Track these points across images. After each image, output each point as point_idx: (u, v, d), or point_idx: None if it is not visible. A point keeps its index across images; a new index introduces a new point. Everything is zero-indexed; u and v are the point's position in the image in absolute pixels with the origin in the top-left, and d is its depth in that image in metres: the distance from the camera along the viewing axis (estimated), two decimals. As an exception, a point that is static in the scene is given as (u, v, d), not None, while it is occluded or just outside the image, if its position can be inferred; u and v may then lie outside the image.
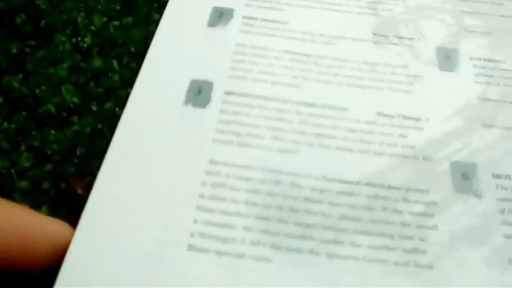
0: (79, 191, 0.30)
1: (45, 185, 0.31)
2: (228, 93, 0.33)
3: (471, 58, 0.37)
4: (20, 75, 0.36)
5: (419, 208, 0.30)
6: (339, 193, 0.30)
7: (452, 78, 0.36)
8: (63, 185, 0.31)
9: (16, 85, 0.35)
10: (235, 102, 0.33)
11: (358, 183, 0.30)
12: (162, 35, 0.37)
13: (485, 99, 0.35)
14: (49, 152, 0.32)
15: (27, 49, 0.38)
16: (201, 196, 0.29)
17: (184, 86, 0.34)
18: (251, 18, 0.38)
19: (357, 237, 0.28)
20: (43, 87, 0.35)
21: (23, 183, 0.31)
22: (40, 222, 0.26)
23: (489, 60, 0.37)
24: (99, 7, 0.40)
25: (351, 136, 0.32)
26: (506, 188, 0.31)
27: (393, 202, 0.30)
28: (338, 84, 0.35)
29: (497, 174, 0.31)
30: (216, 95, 0.33)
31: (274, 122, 0.32)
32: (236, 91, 0.34)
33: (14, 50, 0.37)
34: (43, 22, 0.39)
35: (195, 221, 0.28)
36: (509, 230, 0.29)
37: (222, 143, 0.31)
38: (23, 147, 0.32)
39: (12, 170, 0.32)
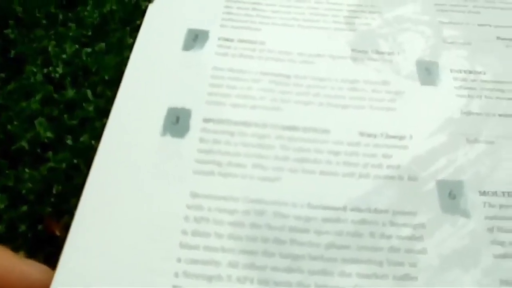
0: (57, 233, 0.29)
1: (22, 227, 0.30)
2: (207, 120, 0.33)
3: (451, 71, 0.37)
4: (-9, 110, 0.35)
5: (407, 231, 0.29)
6: (325, 220, 0.29)
7: (433, 92, 0.35)
8: (40, 226, 0.30)
9: (-14, 121, 0.34)
10: (214, 130, 0.32)
11: (344, 208, 0.30)
12: (136, 61, 0.36)
13: (468, 113, 0.34)
14: (24, 191, 0.31)
15: (-3, 82, 0.36)
16: (184, 232, 0.28)
17: (162, 115, 0.33)
18: (227, 39, 0.37)
19: (346, 266, 0.27)
20: (15, 122, 0.34)
21: (-1, 227, 0.30)
22: (16, 264, 0.25)
23: (470, 72, 0.37)
24: (70, 33, 0.39)
25: (334, 159, 0.32)
26: (494, 206, 0.30)
27: (381, 226, 0.29)
28: (319, 105, 0.34)
29: (484, 191, 0.31)
30: (195, 123, 0.33)
31: (255, 149, 0.32)
32: (215, 118, 0.33)
33: (-16, 84, 0.36)
34: (12, 52, 0.38)
35: (178, 260, 0.27)
36: (498, 249, 0.29)
37: (203, 174, 0.30)
38: (-4, 188, 0.31)
39: (-14, 213, 0.30)
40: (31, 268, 0.25)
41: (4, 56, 0.38)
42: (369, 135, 0.33)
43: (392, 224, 0.29)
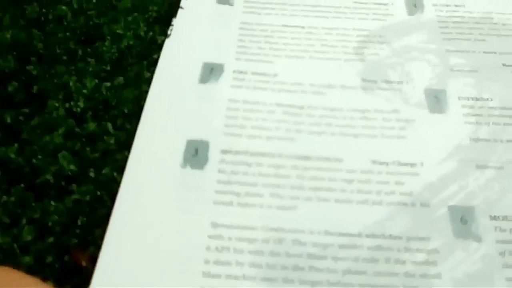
0: (83, 263, 0.30)
1: (49, 259, 0.31)
2: (225, 151, 0.34)
3: (459, 98, 0.38)
4: (16, 145, 0.36)
5: (421, 257, 0.30)
6: (342, 246, 0.30)
7: (442, 120, 0.36)
8: (66, 257, 0.31)
9: (12, 155, 0.35)
10: (232, 161, 0.33)
11: (359, 235, 0.31)
12: (155, 95, 0.37)
13: (476, 139, 0.36)
14: (50, 223, 0.32)
15: (21, 117, 0.38)
16: (206, 261, 0.29)
17: (181, 147, 0.34)
18: (241, 72, 0.39)
19: (363, 292, 0.28)
20: (39, 156, 0.35)
21: (27, 258, 0.31)
22: None
23: (477, 99, 0.38)
24: (90, 69, 0.41)
25: (348, 187, 0.33)
26: (505, 230, 0.31)
27: (396, 252, 0.30)
28: (331, 134, 0.35)
29: (495, 216, 0.32)
30: (213, 154, 0.34)
31: (271, 178, 0.33)
32: (232, 149, 0.34)
33: (8, 119, 0.38)
34: (35, 88, 0.40)
35: (201, 288, 0.28)
36: (510, 272, 0.30)
37: (223, 204, 0.31)
38: (24, 221, 0.33)
39: (15, 245, 0.31)
40: None
41: (27, 92, 0.39)
42: (381, 163, 0.34)
43: (407, 249, 0.30)
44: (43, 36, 0.43)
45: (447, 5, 0.45)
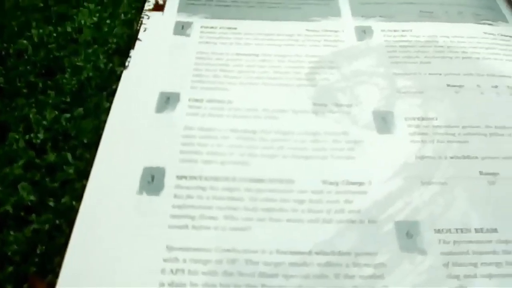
0: (42, 291, 0.31)
1: (8, 287, 0.32)
2: (180, 177, 0.35)
3: (405, 119, 0.40)
4: (-24, 177, 0.37)
5: (369, 271, 0.31)
6: (292, 264, 0.31)
7: (389, 140, 0.38)
8: (25, 286, 0.32)
9: (-28, 188, 0.36)
10: (187, 186, 0.35)
11: (310, 252, 0.32)
12: (112, 124, 0.39)
13: (421, 157, 0.37)
14: (9, 253, 0.33)
15: (-18, 150, 0.39)
16: (161, 284, 0.30)
17: (138, 174, 0.35)
18: (197, 100, 0.40)
19: (313, 307, 0.30)
20: (-1, 188, 0.36)
21: (-14, 288, 0.31)
22: None
23: (423, 119, 0.40)
24: (50, 101, 0.42)
25: (299, 207, 0.34)
26: (448, 242, 0.33)
27: (344, 267, 0.31)
28: (283, 157, 0.37)
29: (439, 229, 0.33)
30: (169, 180, 0.35)
31: (225, 201, 0.34)
32: (188, 175, 0.35)
33: (-31, 153, 0.38)
34: (-5, 121, 0.41)
35: (157, 310, 0.29)
36: (454, 282, 0.31)
37: (177, 228, 0.33)
38: (-17, 251, 0.33)
39: (-26, 276, 0.32)
40: None
41: (-13, 125, 0.40)
42: (331, 183, 0.35)
43: (355, 265, 0.32)
44: (4, 70, 0.44)
45: (395, 30, 0.47)
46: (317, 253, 0.32)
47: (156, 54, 0.44)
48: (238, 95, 0.41)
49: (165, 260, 0.31)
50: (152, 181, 0.35)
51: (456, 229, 0.34)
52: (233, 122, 0.39)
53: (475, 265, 0.32)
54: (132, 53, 0.44)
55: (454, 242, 0.33)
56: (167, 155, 0.36)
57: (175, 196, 0.34)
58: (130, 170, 0.35)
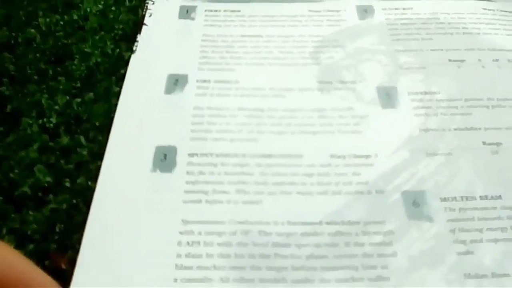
0: (63, 266, 0.32)
1: (30, 264, 0.33)
2: (192, 155, 0.36)
3: (409, 93, 0.41)
4: (-8, 162, 0.38)
5: (378, 238, 0.32)
6: (304, 234, 0.33)
7: (394, 114, 0.39)
8: (47, 262, 0.33)
9: (-10, 171, 0.37)
10: (199, 163, 0.36)
11: (320, 223, 0.33)
12: (123, 107, 0.40)
13: (426, 130, 0.38)
14: (29, 232, 0.34)
15: (-4, 136, 0.40)
16: (178, 255, 0.31)
17: (150, 153, 0.36)
18: (204, 81, 0.41)
19: (325, 274, 0.31)
20: (16, 170, 0.37)
21: (9, 266, 0.33)
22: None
23: (426, 93, 0.41)
24: (61, 86, 0.43)
25: (309, 180, 0.35)
26: (454, 210, 0.34)
27: (354, 236, 0.32)
28: (291, 133, 0.38)
29: (444, 198, 0.34)
30: (181, 158, 0.36)
31: (236, 176, 0.35)
32: (199, 152, 0.36)
33: (-16, 138, 0.39)
34: (8, 107, 0.41)
35: (175, 280, 0.30)
36: (461, 247, 0.32)
37: (191, 203, 0.34)
38: (4, 231, 0.34)
39: (-4, 254, 0.33)
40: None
41: (1, 111, 0.41)
42: (339, 157, 0.36)
43: (364, 233, 0.33)
44: (14, 58, 0.45)
45: (396, 9, 0.48)
46: (327, 223, 0.33)
47: (163, 38, 0.45)
48: (244, 75, 0.42)
49: (181, 233, 0.32)
50: (164, 159, 0.36)
51: (462, 197, 0.35)
52: (241, 101, 0.40)
53: (480, 230, 0.33)
54: (139, 37, 0.45)
55: (460, 209, 0.34)
56: (178, 134, 0.37)
57: (188, 172, 0.35)
58: (143, 149, 0.36)
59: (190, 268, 0.31)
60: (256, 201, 0.34)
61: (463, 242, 0.32)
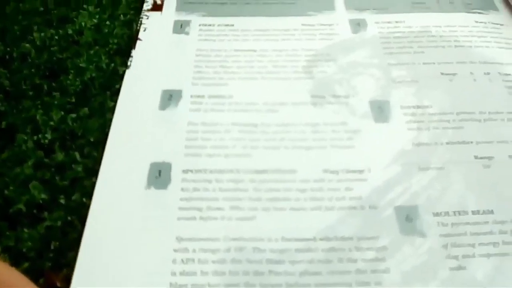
0: (58, 284, 0.32)
1: (25, 282, 0.33)
2: (186, 171, 0.36)
3: (401, 107, 0.41)
4: (-12, 178, 0.38)
5: (371, 254, 0.33)
6: (298, 250, 0.33)
7: (386, 128, 0.40)
8: (41, 280, 0.33)
9: (-15, 188, 0.37)
10: (193, 179, 0.36)
11: (314, 239, 0.33)
12: (118, 123, 0.40)
13: (418, 144, 0.39)
14: (24, 250, 0.34)
15: (-9, 152, 0.40)
16: (173, 273, 0.31)
17: (145, 170, 0.36)
18: (198, 96, 0.41)
19: (319, 290, 0.31)
20: (11, 187, 0.37)
21: (4, 284, 0.33)
22: None
23: (418, 107, 0.41)
24: (55, 102, 0.43)
25: (302, 196, 0.35)
26: (446, 225, 0.34)
27: (348, 252, 0.33)
28: (285, 148, 0.38)
29: (437, 213, 0.35)
30: (175, 174, 0.36)
31: (231, 192, 0.35)
32: (193, 169, 0.36)
33: (-21, 155, 0.39)
34: (3, 123, 0.42)
35: (170, 299, 0.30)
36: (453, 263, 0.33)
37: (186, 219, 0.34)
38: (-1, 249, 0.34)
39: (-9, 272, 0.33)
40: None
41: (-4, 127, 0.41)
42: (332, 172, 0.37)
43: (358, 249, 0.33)
44: (9, 73, 0.45)
45: (389, 22, 0.49)
46: (321, 239, 0.33)
47: (157, 53, 0.45)
48: (238, 89, 0.42)
49: (175, 251, 0.32)
50: (159, 175, 0.36)
51: (454, 212, 0.35)
52: (235, 116, 0.40)
53: (473, 245, 0.33)
54: (134, 52, 0.45)
55: (452, 224, 0.34)
56: (172, 150, 0.38)
57: (182, 189, 0.35)
58: (137, 166, 0.37)
59: (185, 286, 0.31)
60: (250, 217, 0.34)
61: (456, 257, 0.33)
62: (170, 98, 0.41)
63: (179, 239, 0.33)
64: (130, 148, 0.38)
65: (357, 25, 0.48)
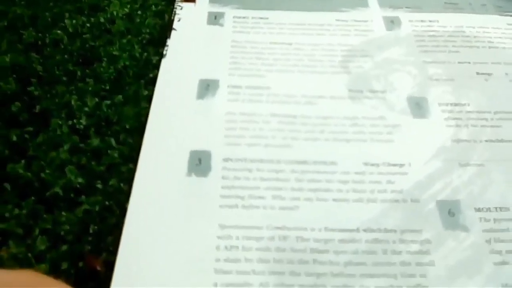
0: (98, 268, 0.32)
1: (64, 265, 0.32)
2: (226, 159, 0.36)
3: (439, 104, 0.41)
4: (23, 161, 0.38)
5: (415, 247, 0.32)
6: (342, 241, 0.32)
7: (425, 124, 0.39)
8: (81, 263, 0.32)
9: (20, 171, 0.37)
10: (234, 168, 0.36)
11: (357, 229, 0.33)
12: (156, 111, 0.39)
13: (457, 140, 0.38)
14: (62, 233, 0.34)
15: (26, 135, 0.39)
16: (217, 260, 0.31)
17: (185, 158, 0.36)
18: (236, 86, 0.41)
19: (364, 281, 0.31)
20: (47, 171, 0.37)
21: (43, 266, 0.32)
22: None
23: (455, 105, 0.41)
24: (90, 88, 0.43)
25: (344, 187, 0.35)
26: (489, 220, 0.34)
27: (391, 244, 0.32)
28: (325, 140, 0.38)
29: (479, 208, 0.35)
30: (215, 163, 0.36)
31: (272, 182, 0.35)
32: (233, 157, 0.36)
33: (14, 138, 0.39)
34: (37, 107, 0.41)
35: (215, 284, 0.30)
36: (497, 258, 0.32)
37: (228, 207, 0.33)
38: (36, 231, 0.34)
39: (29, 254, 0.33)
40: None
41: (30, 111, 0.41)
42: (373, 164, 0.37)
43: (401, 241, 0.33)
44: (42, 59, 0.45)
45: (422, 21, 0.49)
46: (364, 230, 0.33)
47: (192, 43, 0.45)
48: (275, 81, 0.42)
49: (219, 237, 0.32)
50: (199, 163, 0.36)
51: (496, 208, 0.35)
52: (273, 107, 0.40)
53: (515, 241, 0.33)
54: (169, 42, 0.45)
55: (495, 220, 0.34)
56: (211, 139, 0.37)
57: (223, 177, 0.35)
58: (177, 153, 0.36)
59: (229, 272, 0.30)
60: (292, 207, 0.34)
61: (499, 252, 0.32)
62: (207, 87, 0.41)
63: (222, 226, 0.32)
64: (169, 136, 0.37)
65: (391, 23, 0.48)
